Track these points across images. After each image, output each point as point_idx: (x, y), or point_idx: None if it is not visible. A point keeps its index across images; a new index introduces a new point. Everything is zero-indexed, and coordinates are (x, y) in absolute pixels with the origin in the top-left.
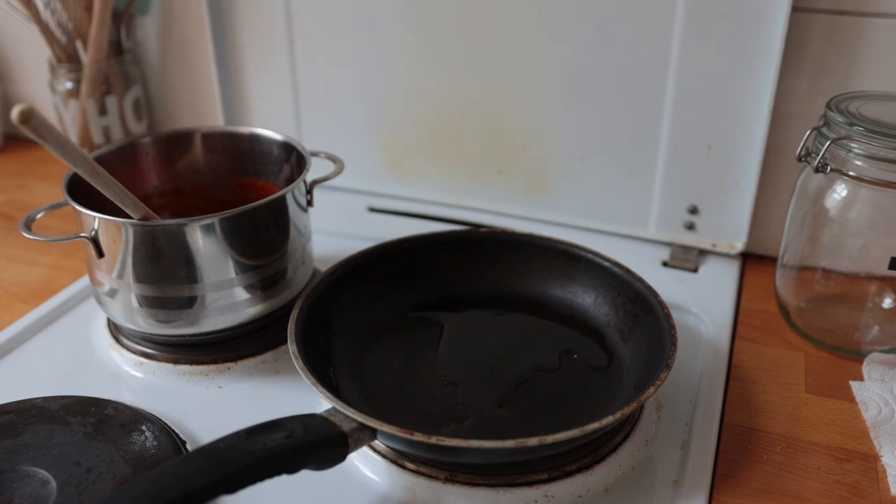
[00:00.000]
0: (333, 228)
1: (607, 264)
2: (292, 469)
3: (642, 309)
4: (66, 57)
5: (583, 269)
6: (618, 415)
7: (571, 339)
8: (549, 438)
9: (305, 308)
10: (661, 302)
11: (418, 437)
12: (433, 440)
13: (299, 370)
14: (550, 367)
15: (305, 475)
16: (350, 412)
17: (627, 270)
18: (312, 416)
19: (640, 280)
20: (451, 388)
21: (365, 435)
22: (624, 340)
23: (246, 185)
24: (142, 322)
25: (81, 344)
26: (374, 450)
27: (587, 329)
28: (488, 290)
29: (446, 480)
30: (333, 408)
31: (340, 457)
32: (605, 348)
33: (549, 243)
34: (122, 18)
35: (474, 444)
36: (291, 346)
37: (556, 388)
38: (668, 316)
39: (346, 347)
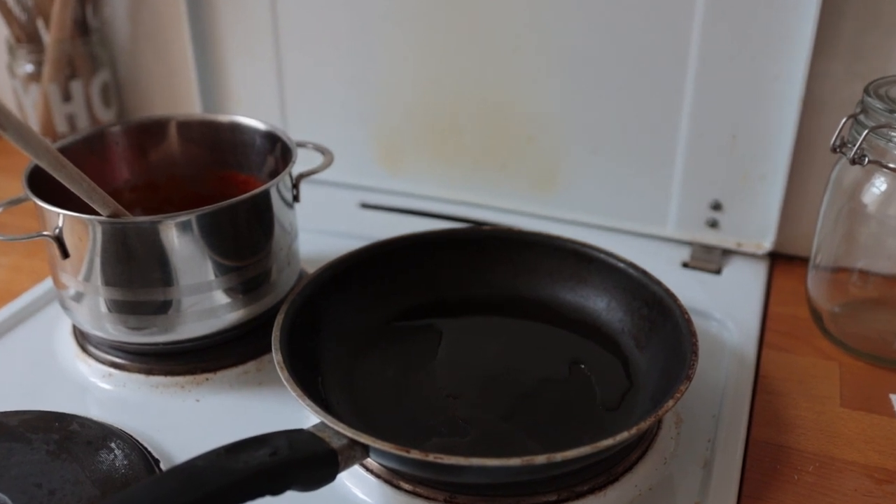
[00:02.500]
0: (322, 226)
1: (622, 265)
2: (277, 490)
3: (660, 314)
4: (26, 37)
5: (595, 270)
6: (633, 430)
7: (582, 347)
8: (559, 456)
9: (291, 313)
10: (680, 306)
11: (414, 454)
12: (431, 458)
13: (284, 381)
14: (559, 377)
15: (291, 496)
16: (340, 427)
17: (644, 272)
18: (299, 431)
19: (658, 283)
20: (450, 401)
21: (356, 452)
22: (640, 349)
23: (226, 179)
24: (111, 329)
25: (44, 353)
26: (367, 468)
27: (599, 336)
28: (491, 294)
29: (445, 502)
30: (322, 423)
31: (330, 476)
32: (620, 357)
33: (557, 243)
34: None
35: (475, 462)
36: (276, 355)
37: (565, 401)
38: (689, 322)
39: (335, 356)
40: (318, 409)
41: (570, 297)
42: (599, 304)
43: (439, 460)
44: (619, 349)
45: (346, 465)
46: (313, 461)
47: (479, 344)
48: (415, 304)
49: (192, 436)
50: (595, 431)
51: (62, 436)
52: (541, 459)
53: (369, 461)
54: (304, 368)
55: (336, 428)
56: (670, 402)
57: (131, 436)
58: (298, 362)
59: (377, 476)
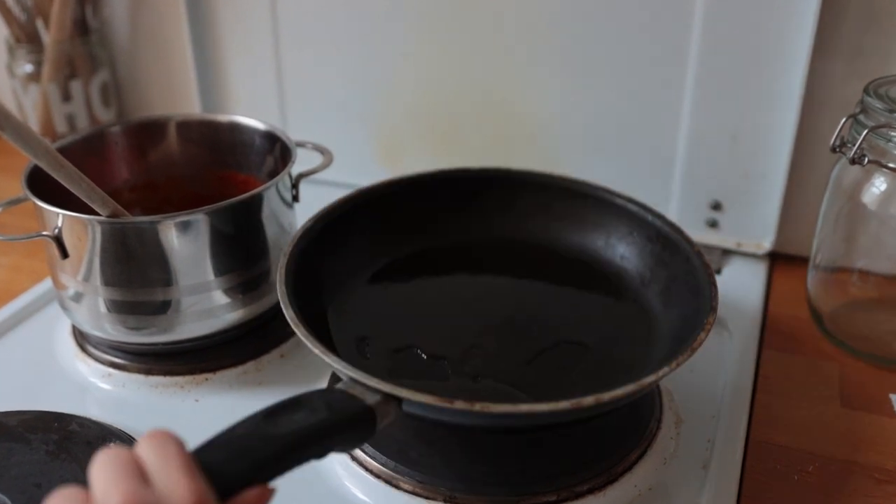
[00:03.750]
0: None
1: (634, 208)
2: (321, 453)
3: (670, 253)
4: (26, 37)
5: (604, 211)
6: (673, 364)
7: (607, 303)
8: (606, 396)
9: (292, 268)
10: (688, 241)
11: (459, 405)
12: (477, 407)
13: (303, 338)
14: (582, 332)
15: (293, 493)
16: (374, 382)
17: (656, 214)
18: (331, 391)
19: (667, 221)
20: (472, 352)
21: (391, 408)
22: (665, 305)
23: (226, 179)
24: (110, 329)
25: (43, 353)
26: (367, 469)
27: (618, 286)
28: (491, 237)
29: (445, 501)
30: (351, 380)
31: (369, 433)
32: (640, 305)
33: (576, 186)
34: None
35: (524, 408)
36: (287, 311)
37: (589, 352)
38: (700, 254)
39: (342, 315)
40: (348, 365)
41: (604, 254)
42: (618, 250)
43: (487, 409)
44: (642, 300)
45: (383, 421)
46: (352, 420)
47: (493, 294)
48: (434, 247)
49: (191, 436)
50: (623, 377)
51: (61, 436)
52: (589, 400)
53: (369, 461)
54: (316, 326)
55: (370, 384)
56: (702, 335)
57: (131, 436)
58: (310, 319)
59: (377, 476)
